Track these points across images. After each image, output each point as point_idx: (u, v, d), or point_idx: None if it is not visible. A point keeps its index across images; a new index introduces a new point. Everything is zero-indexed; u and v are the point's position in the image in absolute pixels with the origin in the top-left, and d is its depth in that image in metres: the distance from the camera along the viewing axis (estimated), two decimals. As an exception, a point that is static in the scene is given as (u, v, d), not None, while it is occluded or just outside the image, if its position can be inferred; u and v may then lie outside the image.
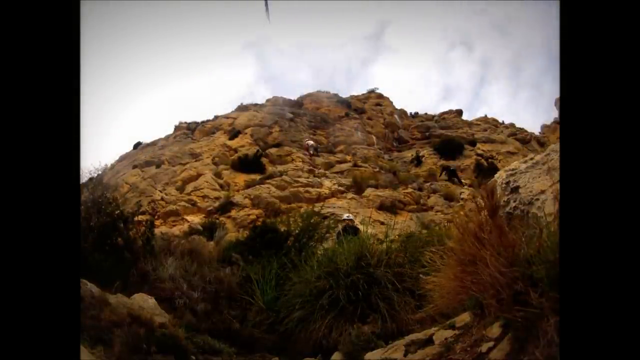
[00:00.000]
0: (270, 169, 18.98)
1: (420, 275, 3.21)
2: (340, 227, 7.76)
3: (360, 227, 6.79)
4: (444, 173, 20.40)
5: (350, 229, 7.01)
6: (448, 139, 24.48)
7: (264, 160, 19.84)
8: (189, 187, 17.52)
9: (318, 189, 17.06)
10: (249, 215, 15.04)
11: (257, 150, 20.31)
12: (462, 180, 20.07)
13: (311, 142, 21.95)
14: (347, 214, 8.41)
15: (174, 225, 14.72)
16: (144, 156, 22.40)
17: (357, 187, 17.33)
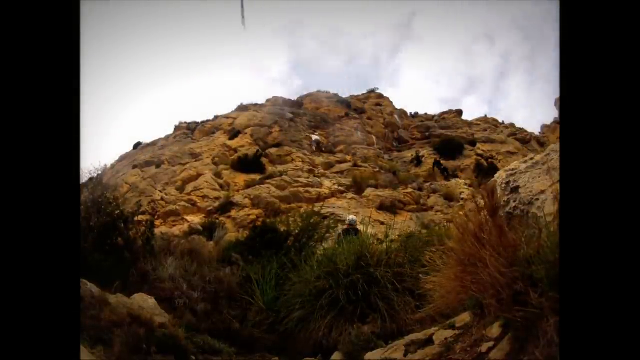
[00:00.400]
0: (270, 169, 18.98)
1: (420, 275, 3.21)
2: (341, 228, 7.75)
3: (360, 227, 6.79)
4: (435, 167, 20.87)
5: (352, 230, 7.00)
6: (448, 139, 24.47)
7: (264, 160, 19.84)
8: (189, 187, 17.52)
9: (318, 189, 17.07)
10: (249, 215, 15.05)
11: (257, 150, 20.32)
12: (448, 172, 20.76)
13: (316, 137, 22.77)
14: (352, 217, 8.38)
15: (174, 225, 14.73)
16: (144, 156, 22.41)
17: (357, 187, 17.33)
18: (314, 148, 22.22)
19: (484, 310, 2.14)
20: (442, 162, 21.46)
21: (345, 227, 7.60)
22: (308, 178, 18.00)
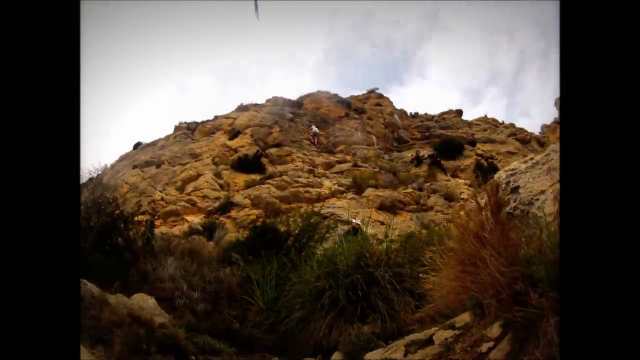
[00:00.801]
0: (270, 169, 18.97)
1: (420, 275, 3.21)
2: (341, 229, 7.76)
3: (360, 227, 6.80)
4: (427, 159, 21.17)
5: (352, 230, 7.02)
6: (448, 139, 24.44)
7: (264, 160, 19.83)
8: (189, 187, 17.51)
9: (318, 189, 17.06)
10: (249, 215, 15.04)
11: (257, 150, 20.30)
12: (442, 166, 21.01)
13: (315, 129, 23.27)
14: (355, 220, 8.38)
15: (174, 225, 14.72)
16: (144, 156, 22.39)
17: (357, 187, 17.32)
18: (315, 141, 22.64)
19: (484, 310, 2.14)
20: (443, 162, 21.47)
21: (348, 229, 7.62)
22: (308, 178, 17.99)
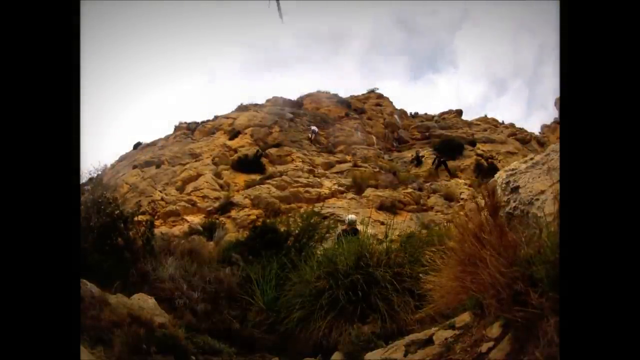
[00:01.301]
0: (270, 169, 18.97)
1: (420, 275, 3.21)
2: (340, 228, 7.73)
3: (360, 227, 6.78)
4: (435, 162, 21.07)
5: (351, 230, 6.98)
6: (448, 139, 24.46)
7: (264, 160, 19.83)
8: (189, 187, 17.52)
9: (318, 189, 17.07)
10: (249, 215, 15.05)
11: (257, 150, 20.31)
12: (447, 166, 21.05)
13: (314, 128, 23.51)
14: (350, 216, 8.36)
15: (174, 225, 14.73)
16: (143, 156, 22.40)
17: (357, 187, 17.33)
18: (311, 137, 22.80)
19: (484, 310, 2.14)
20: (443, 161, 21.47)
21: (344, 227, 7.56)
22: (308, 178, 17.99)
